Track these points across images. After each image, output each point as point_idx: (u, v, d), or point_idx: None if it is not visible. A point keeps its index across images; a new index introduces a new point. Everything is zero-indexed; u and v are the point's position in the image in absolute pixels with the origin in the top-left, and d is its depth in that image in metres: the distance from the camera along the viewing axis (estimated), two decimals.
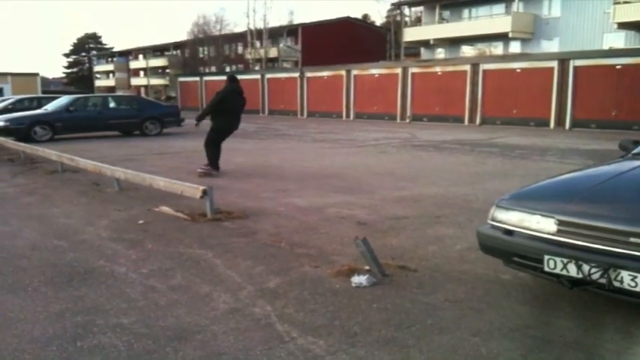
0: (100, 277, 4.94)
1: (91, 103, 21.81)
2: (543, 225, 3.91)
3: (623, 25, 31.64)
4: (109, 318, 4.02)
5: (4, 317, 4.05)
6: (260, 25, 59.36)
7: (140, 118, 21.24)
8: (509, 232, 4.12)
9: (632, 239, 3.45)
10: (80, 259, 5.45)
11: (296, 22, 63.12)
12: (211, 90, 44.77)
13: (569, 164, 11.72)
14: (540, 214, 3.95)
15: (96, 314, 4.09)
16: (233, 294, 4.47)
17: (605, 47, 31.16)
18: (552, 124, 24.03)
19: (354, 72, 33.40)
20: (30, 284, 4.74)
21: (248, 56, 59.48)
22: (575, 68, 23.50)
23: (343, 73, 33.90)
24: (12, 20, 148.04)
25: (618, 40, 32.59)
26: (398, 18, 58.74)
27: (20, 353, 3.51)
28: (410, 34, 45.27)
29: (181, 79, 51.27)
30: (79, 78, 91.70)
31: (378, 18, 73.90)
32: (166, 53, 75.72)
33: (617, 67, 22.30)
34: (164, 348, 3.56)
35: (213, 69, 60.97)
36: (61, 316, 4.05)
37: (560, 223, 3.81)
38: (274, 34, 59.70)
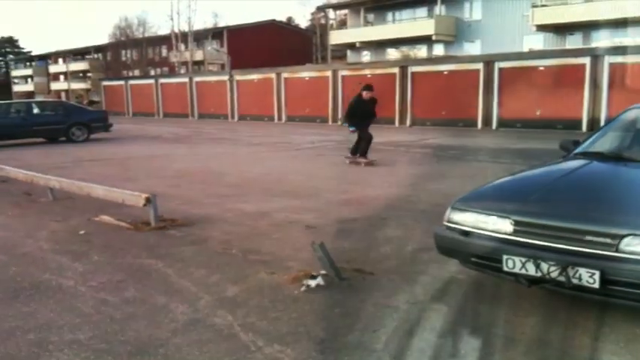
0: (47, 291, 4.73)
1: (14, 109, 20.91)
2: (500, 225, 4.00)
3: (541, 28, 32.95)
4: (63, 334, 3.85)
5: None
6: (185, 27, 58.59)
7: (66, 124, 20.53)
8: (466, 233, 4.20)
9: (588, 237, 3.58)
10: (24, 274, 5.20)
11: (221, 24, 62.66)
12: (137, 94, 43.95)
13: (503, 163, 12.10)
14: (496, 215, 4.05)
15: (49, 331, 3.91)
16: (191, 304, 4.36)
17: (525, 49, 32.33)
18: (480, 125, 24.74)
19: (284, 75, 33.38)
20: None
21: (173, 59, 58.58)
22: (500, 70, 24.29)
23: (273, 76, 33.82)
24: None
25: (537, 42, 33.89)
26: (323, 21, 59.22)
27: None
28: (336, 37, 45.67)
29: (105, 83, 49.89)
30: None
31: (303, 21, 74.20)
32: (87, 57, 73.57)
33: (540, 68, 23.19)
34: None
35: (137, 72, 59.67)
36: (13, 335, 3.85)
37: (517, 223, 3.91)
38: (199, 37, 59.01)
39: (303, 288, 4.53)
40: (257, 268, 5.22)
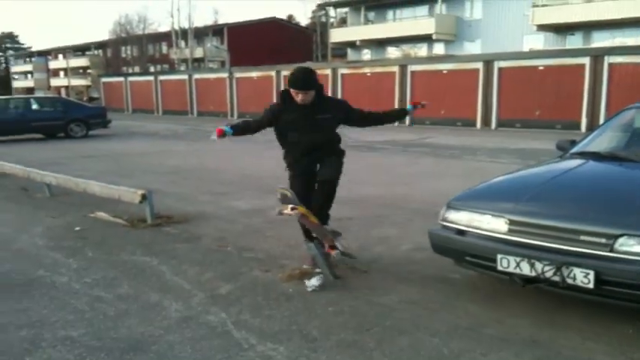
0: (41, 288, 4.72)
1: (13, 105, 20.88)
2: (494, 225, 3.99)
3: (542, 27, 32.88)
4: (56, 331, 3.85)
5: None
6: (185, 24, 58.55)
7: (65, 120, 20.52)
8: (461, 232, 4.19)
9: (583, 237, 3.57)
10: (18, 270, 5.19)
11: (221, 21, 62.58)
12: (137, 91, 43.91)
13: (500, 163, 12.09)
14: (491, 214, 4.04)
15: (42, 327, 3.91)
16: (184, 302, 4.35)
17: (526, 48, 32.27)
18: (479, 124, 24.72)
19: (284, 72, 33.27)
20: None
21: (173, 56, 58.47)
22: (500, 69, 24.24)
23: (273, 73, 33.78)
24: None
25: (538, 41, 33.84)
26: (323, 19, 59.14)
27: None
28: (336, 35, 45.59)
29: (105, 79, 49.83)
30: None
31: (303, 19, 74.17)
32: (87, 53, 73.46)
33: (540, 68, 23.15)
34: None
35: (137, 69, 59.59)
36: (5, 331, 3.85)
37: (511, 222, 3.90)
38: (200, 34, 58.91)
39: (310, 289, 4.51)
40: (251, 266, 5.22)
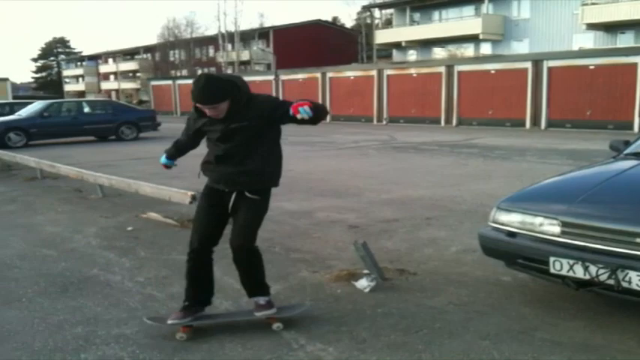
0: (95, 286, 4.84)
1: (66, 108, 21.50)
2: (547, 227, 3.93)
3: (591, 26, 32.20)
4: (110, 328, 3.94)
5: (2, 330, 3.94)
6: (231, 28, 59.14)
7: (116, 122, 21.01)
8: (512, 234, 4.13)
9: (639, 240, 3.48)
10: (73, 269, 5.33)
11: (267, 24, 63.05)
12: (185, 94, 44.57)
13: (550, 164, 11.87)
14: (543, 216, 3.97)
15: (96, 325, 4.01)
16: (234, 301, 4.42)
17: (575, 48, 31.65)
18: (528, 125, 24.30)
19: (329, 74, 33.43)
20: (24, 295, 4.63)
21: (220, 59, 59.19)
22: (549, 69, 23.81)
23: (318, 75, 33.90)
24: None
25: (587, 40, 33.13)
26: (368, 20, 59.05)
27: None
28: (381, 37, 45.50)
29: (154, 82, 50.76)
30: (48, 83, 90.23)
31: (348, 20, 74.15)
32: (136, 57, 74.91)
33: (591, 67, 22.64)
34: (171, 358, 3.49)
35: (185, 72, 60.50)
36: (61, 328, 3.96)
37: (565, 224, 3.82)
38: (246, 37, 59.52)
39: (367, 290, 4.51)
40: (299, 267, 5.25)
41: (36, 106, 21.18)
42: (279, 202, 8.30)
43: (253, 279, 3.96)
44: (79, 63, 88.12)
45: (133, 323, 4.02)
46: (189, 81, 45.69)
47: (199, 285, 3.91)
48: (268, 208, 3.95)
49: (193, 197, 6.93)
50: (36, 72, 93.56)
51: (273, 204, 8.03)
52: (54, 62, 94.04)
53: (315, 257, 5.56)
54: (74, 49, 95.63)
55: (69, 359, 3.52)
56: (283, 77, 36.69)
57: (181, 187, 7.94)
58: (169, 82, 48.11)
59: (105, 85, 79.33)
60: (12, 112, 22.24)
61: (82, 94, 76.98)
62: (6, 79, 38.96)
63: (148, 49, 71.35)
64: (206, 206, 3.95)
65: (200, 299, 3.92)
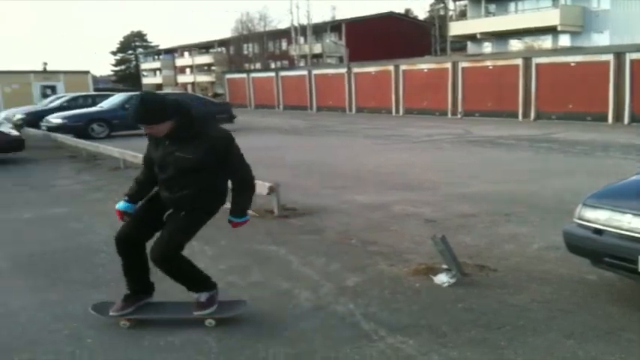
0: None
1: None
2: (636, 224, 3.79)
3: None
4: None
5: (89, 314, 4.09)
6: (304, 21, 59.48)
7: None
8: (598, 232, 4.01)
9: None
10: None
11: (339, 17, 63.08)
12: (259, 87, 45.25)
13: (636, 160, 11.39)
14: (632, 214, 3.83)
15: None
16: (313, 291, 4.47)
17: None
18: (610, 119, 23.36)
19: (403, 67, 33.09)
20: (111, 280, 4.81)
21: (293, 52, 59.65)
22: (632, 61, 22.81)
23: (391, 68, 33.63)
24: (61, 20, 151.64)
25: None
26: (441, 12, 58.20)
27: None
28: (456, 28, 44.76)
29: (228, 76, 51.64)
30: (127, 76, 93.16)
31: (421, 12, 73.35)
32: (211, 50, 76.38)
33: None
34: (255, 344, 3.58)
35: (258, 65, 61.29)
36: None
37: None
38: (318, 30, 59.70)
39: (445, 285, 4.49)
40: (376, 260, 5.25)
41: (117, 98, 21.90)
42: (351, 195, 8.36)
43: (178, 281, 3.95)
44: (156, 56, 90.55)
45: None
46: (263, 74, 46.47)
47: (130, 275, 3.97)
48: (196, 228, 3.90)
49: (271, 189, 7.06)
50: (115, 65, 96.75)
51: (345, 197, 8.14)
52: (132, 56, 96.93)
53: (392, 250, 5.55)
54: (151, 42, 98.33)
55: (155, 341, 3.65)
56: (356, 70, 36.59)
57: (258, 177, 8.07)
58: (243, 75, 48.83)
59: (181, 79, 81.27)
60: (94, 104, 23.07)
61: (159, 87, 79.10)
62: (87, 72, 40.40)
63: (222, 42, 72.60)
64: (145, 203, 3.99)
65: (136, 289, 3.98)
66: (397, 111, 32.95)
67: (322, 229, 6.48)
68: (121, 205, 3.92)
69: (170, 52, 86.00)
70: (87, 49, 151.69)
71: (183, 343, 3.62)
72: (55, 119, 19.71)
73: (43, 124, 19.81)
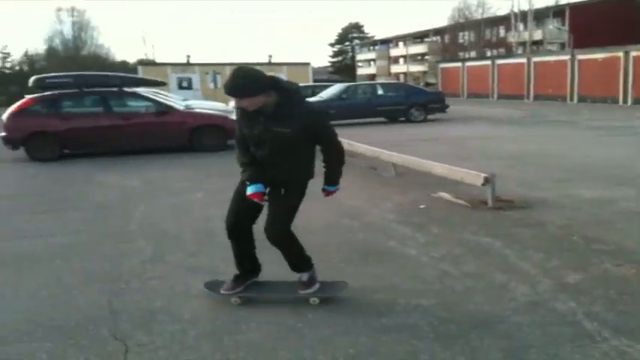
0: (393, 257, 5.14)
1: (361, 90, 22.85)
2: None
3: None
4: (409, 298, 4.14)
5: None
6: (524, 6, 56.92)
7: (406, 104, 21.70)
8: None
9: None
10: (371, 239, 5.73)
11: (563, 1, 59.30)
12: (472, 76, 44.35)
13: None
14: None
15: (395, 293, 4.26)
16: (531, 286, 4.33)
17: None
18: None
19: (633, 53, 30.35)
20: (330, 260, 5.06)
21: (511, 39, 57.41)
22: None
23: (620, 54, 30.99)
24: (282, 13, 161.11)
25: None
26: None
27: None
28: None
29: (442, 65, 51.31)
30: (343, 67, 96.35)
31: None
32: (426, 40, 76.21)
33: None
34: (468, 334, 3.56)
35: (473, 54, 59.96)
36: (363, 292, 4.29)
37: None
38: (538, 16, 56.68)
39: None
40: (601, 258, 4.94)
41: (335, 88, 22.85)
42: (575, 190, 7.91)
43: (289, 259, 4.11)
44: (371, 47, 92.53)
45: (430, 295, 4.19)
46: (478, 62, 45.51)
47: (241, 258, 4.16)
48: (298, 201, 4.01)
49: (486, 179, 6.94)
50: (332, 57, 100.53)
51: (567, 190, 7.72)
52: (349, 47, 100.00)
53: (619, 249, 5.17)
54: (367, 33, 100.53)
55: (370, 323, 3.79)
56: (580, 57, 34.31)
57: (472, 168, 7.99)
58: (458, 64, 48.22)
59: (394, 69, 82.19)
60: (313, 94, 24.26)
61: (372, 77, 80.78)
62: (308, 64, 42.60)
63: (437, 31, 72.14)
64: (240, 186, 4.03)
65: (245, 269, 4.19)
66: (625, 100, 30.40)
67: (541, 223, 6.22)
68: (252, 188, 3.84)
69: (385, 42, 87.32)
70: (306, 41, 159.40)
71: (398, 326, 3.72)
72: None
73: None
